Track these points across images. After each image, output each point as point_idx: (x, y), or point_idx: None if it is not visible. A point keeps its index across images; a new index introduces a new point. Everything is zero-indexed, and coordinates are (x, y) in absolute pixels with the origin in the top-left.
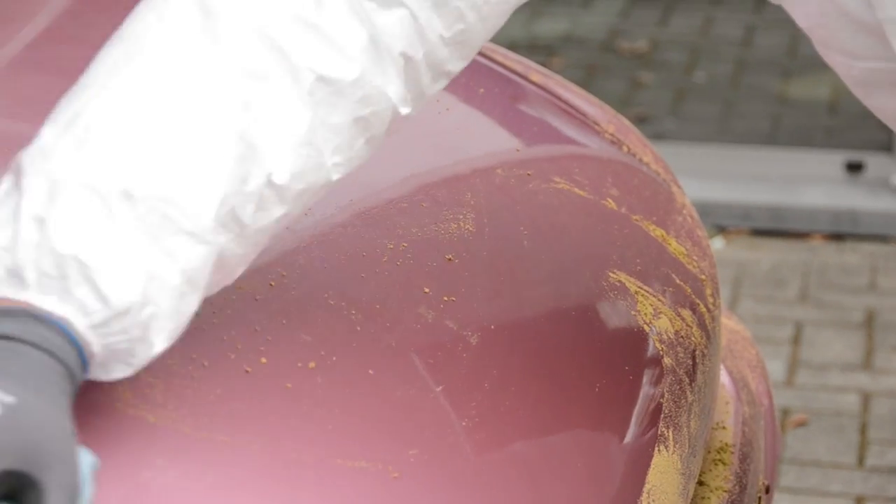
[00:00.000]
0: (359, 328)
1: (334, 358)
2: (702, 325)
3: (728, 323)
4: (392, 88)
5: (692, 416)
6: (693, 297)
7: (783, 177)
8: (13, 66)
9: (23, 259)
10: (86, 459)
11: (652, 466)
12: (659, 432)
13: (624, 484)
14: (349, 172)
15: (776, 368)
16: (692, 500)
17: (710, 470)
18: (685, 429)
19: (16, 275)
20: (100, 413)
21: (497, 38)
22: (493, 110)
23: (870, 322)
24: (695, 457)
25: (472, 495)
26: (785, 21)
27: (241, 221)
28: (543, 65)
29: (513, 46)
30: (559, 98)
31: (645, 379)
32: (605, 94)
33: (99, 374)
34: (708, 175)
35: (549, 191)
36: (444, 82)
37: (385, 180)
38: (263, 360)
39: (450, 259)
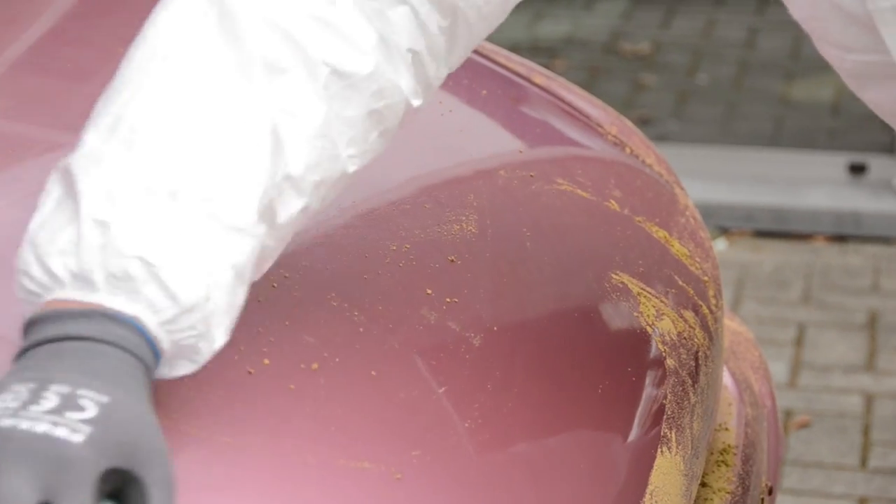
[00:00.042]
0: (361, 329)
1: (337, 359)
2: (704, 327)
3: (731, 324)
4: (404, 82)
5: (695, 418)
6: (696, 298)
7: (786, 178)
8: (13, 67)
9: (89, 262)
10: None
11: (655, 468)
12: (662, 434)
13: (627, 485)
14: (363, 166)
15: (779, 370)
16: (695, 501)
17: (713, 471)
18: (688, 430)
19: (83, 278)
20: None
21: (499, 40)
22: (495, 112)
23: (873, 323)
24: (697, 458)
25: (475, 496)
26: (787, 23)
27: (275, 214)
28: (546, 67)
29: (515, 48)
30: (562, 100)
31: (648, 380)
32: (607, 96)
33: (164, 371)
34: (711, 177)
35: (551, 192)
36: (446, 72)
37: (388, 182)
38: (266, 361)
39: (452, 260)
